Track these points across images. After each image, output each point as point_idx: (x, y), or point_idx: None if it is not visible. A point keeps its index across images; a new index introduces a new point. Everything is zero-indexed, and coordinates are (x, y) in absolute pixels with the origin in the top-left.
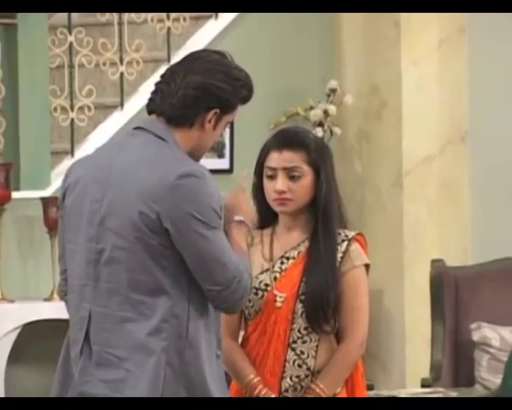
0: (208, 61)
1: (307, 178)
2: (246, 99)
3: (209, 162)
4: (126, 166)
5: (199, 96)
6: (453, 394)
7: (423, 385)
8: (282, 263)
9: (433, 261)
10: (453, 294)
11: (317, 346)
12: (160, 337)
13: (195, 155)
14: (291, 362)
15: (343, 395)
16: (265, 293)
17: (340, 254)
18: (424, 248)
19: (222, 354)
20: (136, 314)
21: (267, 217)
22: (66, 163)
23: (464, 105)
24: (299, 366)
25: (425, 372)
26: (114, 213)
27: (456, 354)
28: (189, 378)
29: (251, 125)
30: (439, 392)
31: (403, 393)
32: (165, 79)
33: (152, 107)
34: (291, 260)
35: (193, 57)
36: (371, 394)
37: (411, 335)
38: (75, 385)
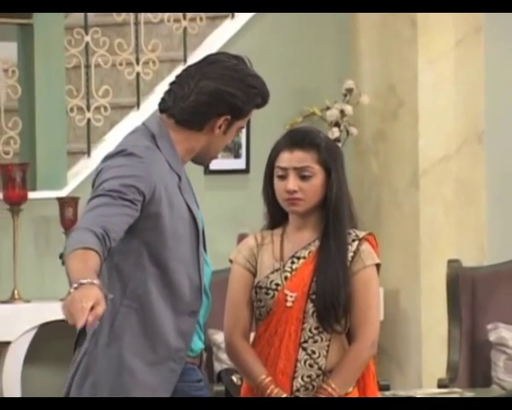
0: (224, 67)
1: (318, 178)
2: (259, 106)
3: (225, 163)
4: None
5: (210, 102)
6: (470, 394)
7: (440, 386)
8: (292, 263)
9: (450, 261)
10: (470, 294)
11: (328, 345)
12: (90, 329)
13: (204, 158)
14: (302, 362)
15: (354, 394)
16: (276, 293)
17: (350, 254)
18: (440, 249)
19: (178, 368)
20: None
21: (277, 217)
22: (83, 163)
23: (481, 105)
24: (311, 365)
25: (441, 373)
26: None
27: (473, 354)
28: (98, 377)
29: (267, 125)
30: (455, 392)
31: (419, 393)
32: (179, 81)
33: (163, 107)
34: (302, 260)
35: (210, 61)
36: (387, 394)
37: (428, 335)
38: None
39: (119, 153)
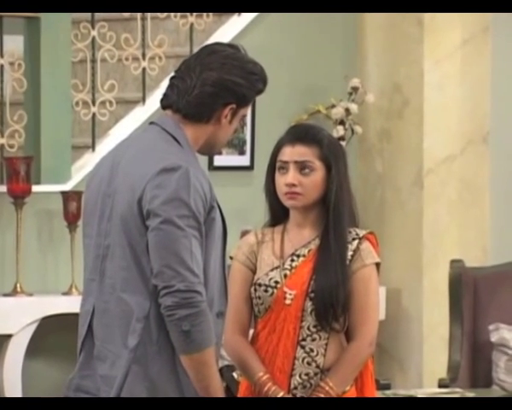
0: (223, 56)
1: (318, 174)
2: (261, 92)
3: (230, 159)
4: (128, 161)
5: (216, 92)
6: (470, 394)
7: (440, 385)
8: (292, 261)
9: (453, 262)
10: (472, 294)
11: (326, 344)
12: (133, 336)
13: (210, 149)
14: (300, 360)
15: (352, 393)
16: (275, 290)
17: (350, 253)
18: (443, 249)
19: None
20: (124, 312)
21: (279, 214)
22: (87, 158)
23: (486, 105)
24: (309, 363)
25: (442, 373)
26: (116, 209)
27: (474, 354)
28: (153, 382)
29: (272, 122)
30: (456, 392)
31: (420, 393)
32: (180, 75)
33: (167, 102)
34: (301, 258)
35: (207, 52)
36: (388, 393)
37: (429, 335)
38: (73, 378)
39: (175, 170)
